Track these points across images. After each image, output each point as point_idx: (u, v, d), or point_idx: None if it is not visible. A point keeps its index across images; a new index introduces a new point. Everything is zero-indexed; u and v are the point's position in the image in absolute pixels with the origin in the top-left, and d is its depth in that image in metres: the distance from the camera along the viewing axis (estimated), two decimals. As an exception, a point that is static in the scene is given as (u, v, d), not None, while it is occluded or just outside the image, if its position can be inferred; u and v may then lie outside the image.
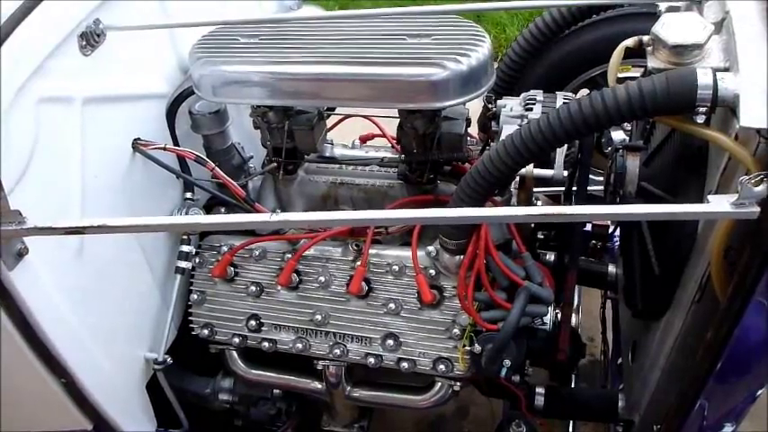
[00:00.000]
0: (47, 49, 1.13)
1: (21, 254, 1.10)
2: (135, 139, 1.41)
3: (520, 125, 1.37)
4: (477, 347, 1.35)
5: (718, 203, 0.95)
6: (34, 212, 1.05)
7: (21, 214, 1.02)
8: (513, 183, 1.50)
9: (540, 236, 1.66)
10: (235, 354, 1.65)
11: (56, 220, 1.06)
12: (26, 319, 1.15)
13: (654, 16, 1.95)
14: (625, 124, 1.76)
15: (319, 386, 1.64)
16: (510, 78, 2.03)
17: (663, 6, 1.35)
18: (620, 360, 1.75)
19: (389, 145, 1.70)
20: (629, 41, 1.15)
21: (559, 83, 2.09)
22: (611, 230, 1.81)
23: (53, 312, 1.20)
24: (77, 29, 1.21)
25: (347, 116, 1.69)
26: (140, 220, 1.08)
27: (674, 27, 1.08)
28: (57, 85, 1.17)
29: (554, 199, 2.12)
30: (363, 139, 1.76)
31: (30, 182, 1.11)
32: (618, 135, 1.66)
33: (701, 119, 1.02)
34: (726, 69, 1.03)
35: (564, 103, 1.39)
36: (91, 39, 1.23)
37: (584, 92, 2.22)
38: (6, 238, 1.05)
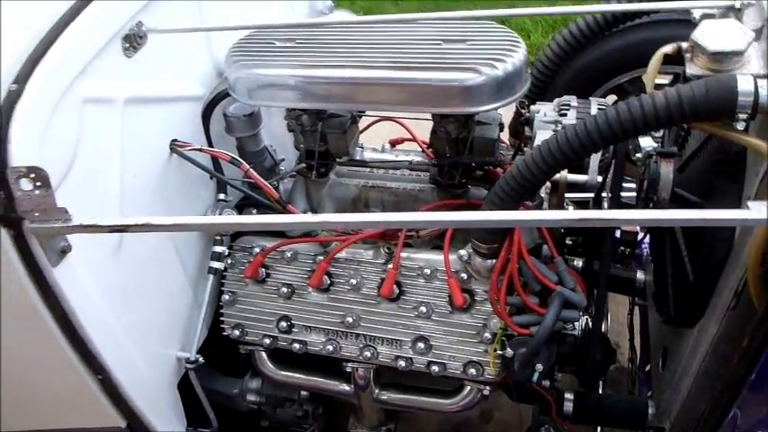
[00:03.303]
0: (93, 50, 1.15)
1: (64, 251, 1.12)
2: (172, 141, 1.42)
3: (554, 130, 1.38)
4: (510, 351, 1.35)
5: (759, 210, 0.95)
6: (76, 210, 1.07)
7: (67, 212, 1.04)
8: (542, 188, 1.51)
9: (568, 241, 1.66)
10: (264, 355, 1.66)
11: (96, 219, 1.08)
12: (67, 316, 1.17)
13: (683, 23, 1.96)
14: (654, 132, 1.77)
15: (347, 388, 1.65)
16: (542, 84, 2.04)
17: (696, 14, 1.35)
18: (647, 367, 1.75)
19: (419, 149, 1.71)
20: (668, 48, 1.15)
21: (587, 89, 2.10)
22: (639, 237, 1.81)
23: (92, 310, 1.22)
24: (121, 31, 1.23)
25: (378, 120, 1.70)
26: (183, 219, 1.09)
27: (713, 34, 1.08)
28: (100, 86, 1.19)
29: (581, 205, 2.12)
30: (393, 143, 1.77)
31: (73, 180, 1.13)
32: (646, 142, 1.66)
33: (740, 125, 1.02)
34: (766, 76, 1.03)
35: (599, 108, 1.40)
36: (134, 41, 1.26)
37: (611, 98, 2.22)
38: (51, 236, 1.07)
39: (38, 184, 1.00)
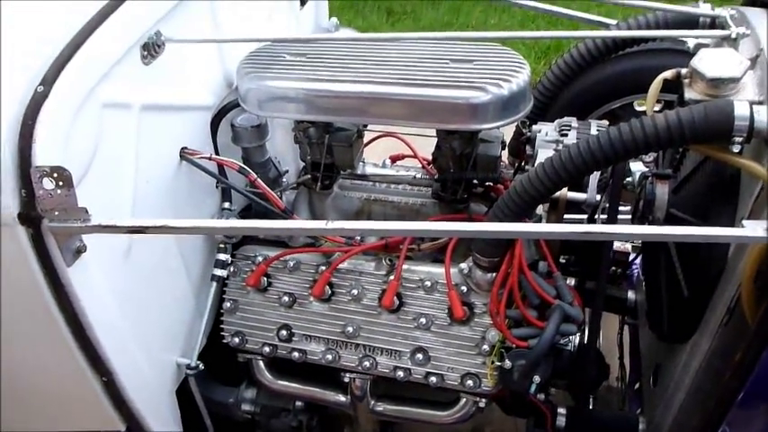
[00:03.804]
0: (115, 56, 1.18)
1: (79, 251, 1.13)
2: (182, 148, 1.45)
3: (555, 149, 1.43)
4: (508, 363, 1.38)
5: (753, 229, 0.99)
6: (92, 212, 1.09)
7: (87, 212, 1.06)
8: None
9: (561, 260, 1.70)
10: (261, 363, 1.68)
11: (114, 220, 1.10)
12: (77, 316, 1.18)
13: (675, 53, 2.02)
14: (645, 156, 1.82)
15: (343, 399, 1.67)
16: (543, 105, 2.09)
17: (691, 43, 1.41)
18: (637, 385, 1.78)
19: (419, 165, 1.75)
20: (668, 73, 1.20)
21: (582, 113, 2.15)
22: (630, 258, 1.86)
23: (102, 311, 1.23)
24: (141, 39, 1.26)
25: (382, 135, 1.74)
26: (200, 223, 1.12)
27: (711, 61, 1.13)
28: (119, 92, 1.21)
29: (574, 225, 2.16)
30: (394, 159, 1.81)
31: (90, 182, 1.15)
32: (637, 166, 1.72)
33: (735, 148, 1.07)
34: (760, 103, 1.09)
35: (599, 130, 1.45)
36: (152, 49, 1.29)
37: (604, 123, 2.28)
38: (69, 235, 1.09)
39: (60, 183, 1.02)
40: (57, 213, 1.05)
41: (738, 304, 1.15)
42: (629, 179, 1.68)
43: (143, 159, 1.31)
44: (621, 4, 1.57)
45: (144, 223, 1.07)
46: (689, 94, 1.15)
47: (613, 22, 1.66)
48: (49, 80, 1.05)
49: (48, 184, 1.02)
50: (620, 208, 1.70)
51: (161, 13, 1.29)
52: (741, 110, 1.04)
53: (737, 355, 1.13)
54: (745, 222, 1.02)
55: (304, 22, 1.92)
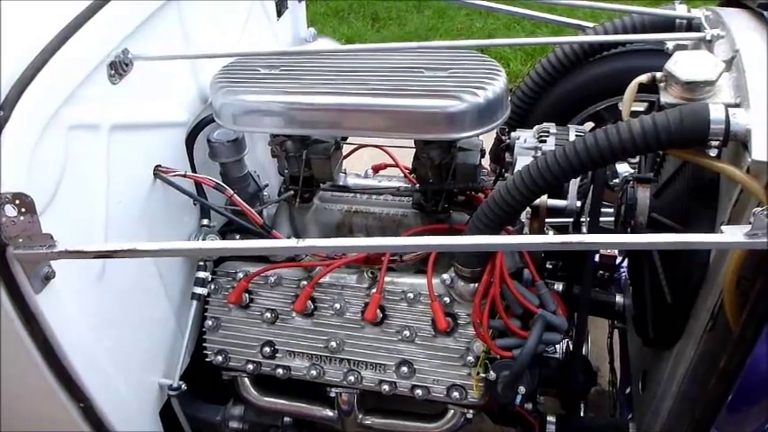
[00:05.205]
0: (79, 77, 1.16)
1: (47, 277, 1.11)
2: (156, 166, 1.43)
3: (534, 157, 1.41)
4: (492, 374, 1.36)
5: (733, 234, 0.98)
6: (61, 236, 1.07)
7: (52, 238, 1.04)
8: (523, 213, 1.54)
9: (548, 266, 1.69)
10: (247, 381, 1.65)
11: (81, 245, 1.08)
12: (49, 343, 1.16)
13: (658, 53, 2.01)
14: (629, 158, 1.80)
15: (331, 414, 1.65)
16: (522, 111, 2.08)
17: (670, 45, 1.40)
18: (628, 389, 1.77)
19: (401, 175, 1.73)
20: (643, 77, 1.19)
21: (565, 116, 2.14)
22: (618, 261, 1.84)
23: (75, 337, 1.21)
24: (107, 58, 1.24)
25: (361, 146, 1.72)
26: (169, 245, 1.10)
27: (686, 64, 1.12)
28: (86, 113, 1.20)
29: (560, 230, 2.15)
30: (376, 169, 1.79)
31: (58, 206, 1.13)
32: (622, 168, 1.70)
33: (713, 152, 1.06)
34: (737, 105, 1.07)
35: (577, 135, 1.44)
36: (119, 68, 1.27)
37: (588, 125, 2.27)
38: (36, 262, 1.07)
39: (23, 210, 1.01)
40: (21, 240, 1.03)
41: (721, 310, 1.13)
42: (616, 180, 1.67)
43: (114, 180, 1.29)
44: (599, 7, 1.55)
45: (112, 247, 1.05)
46: (665, 98, 1.13)
47: (591, 25, 1.64)
48: (9, 104, 1.03)
49: (10, 210, 1.00)
50: (606, 209, 1.69)
51: (127, 31, 1.27)
52: (716, 113, 1.02)
53: (722, 361, 1.11)
54: (724, 228, 1.00)
55: (281, 34, 1.90)
